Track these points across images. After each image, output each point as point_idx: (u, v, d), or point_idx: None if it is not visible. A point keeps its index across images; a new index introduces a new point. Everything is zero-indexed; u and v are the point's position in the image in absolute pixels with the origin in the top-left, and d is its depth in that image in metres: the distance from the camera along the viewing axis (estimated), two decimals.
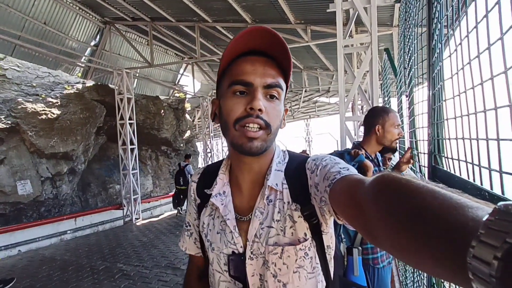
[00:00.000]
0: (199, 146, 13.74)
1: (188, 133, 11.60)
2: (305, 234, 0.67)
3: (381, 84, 4.70)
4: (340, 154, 1.78)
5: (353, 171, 0.60)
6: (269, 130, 0.65)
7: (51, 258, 5.43)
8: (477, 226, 0.24)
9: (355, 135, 5.98)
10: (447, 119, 1.20)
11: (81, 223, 6.92)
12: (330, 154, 1.83)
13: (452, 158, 1.12)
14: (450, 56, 1.12)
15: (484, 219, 0.24)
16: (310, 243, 0.67)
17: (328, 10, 3.29)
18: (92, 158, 8.18)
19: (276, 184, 0.70)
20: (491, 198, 0.86)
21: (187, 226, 0.86)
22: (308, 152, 13.94)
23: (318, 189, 0.63)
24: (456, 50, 1.05)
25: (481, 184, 0.98)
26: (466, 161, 1.03)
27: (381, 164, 1.87)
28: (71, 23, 6.95)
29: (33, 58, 6.86)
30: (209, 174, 0.81)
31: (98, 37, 7.83)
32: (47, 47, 6.59)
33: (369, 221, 0.40)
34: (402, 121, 3.18)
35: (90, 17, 7.29)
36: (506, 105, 0.63)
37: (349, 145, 3.39)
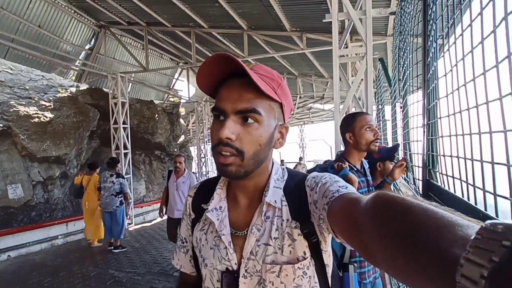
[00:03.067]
0: (193, 151, 13.69)
1: (182, 138, 11.55)
2: (304, 253, 0.67)
3: (375, 92, 4.77)
4: (323, 168, 1.78)
5: (351, 189, 0.61)
6: (242, 156, 0.64)
7: (41, 263, 5.32)
8: (466, 244, 0.25)
9: None
10: (441, 136, 1.23)
11: (72, 228, 6.80)
12: (313, 168, 1.83)
13: (446, 175, 1.15)
14: (445, 75, 1.15)
15: (472, 237, 0.25)
16: (309, 262, 0.67)
17: (324, 20, 3.34)
18: (85, 162, 8.06)
19: (275, 201, 0.70)
20: (485, 218, 0.88)
21: (183, 243, 0.84)
22: (301, 157, 14.03)
23: (317, 206, 0.64)
24: (451, 70, 1.08)
25: (475, 203, 1.00)
26: (460, 179, 1.06)
27: (367, 173, 1.83)
28: (66, 26, 6.90)
29: (27, 61, 6.79)
30: (206, 189, 0.81)
31: (93, 40, 7.79)
32: (41, 50, 6.53)
33: (365, 240, 0.41)
34: (395, 131, 3.22)
35: (85, 20, 7.26)
36: (501, 131, 0.66)
37: None
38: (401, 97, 2.44)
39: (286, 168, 0.80)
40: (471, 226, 0.28)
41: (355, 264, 1.62)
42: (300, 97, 11.60)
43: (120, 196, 5.55)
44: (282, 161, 13.10)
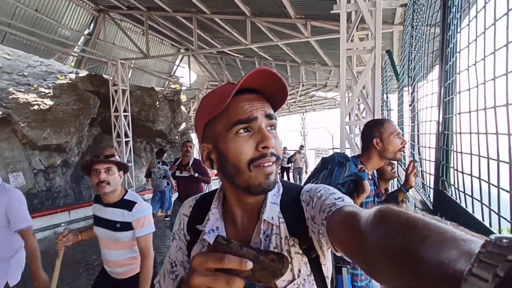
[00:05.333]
0: (195, 138, 13.65)
1: (183, 125, 11.48)
2: (299, 271, 0.66)
3: (381, 84, 4.67)
4: (341, 161, 1.74)
5: (348, 201, 0.60)
6: (279, 161, 0.65)
7: (45, 252, 5.27)
8: (470, 259, 0.24)
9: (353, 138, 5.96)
10: (456, 151, 1.17)
11: (75, 216, 6.84)
12: (331, 156, 1.79)
13: (464, 193, 1.10)
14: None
15: (476, 251, 0.24)
16: (305, 279, 0.67)
17: (332, 12, 3.21)
18: (86, 150, 8.05)
19: (272, 218, 0.68)
20: None
21: (173, 267, 0.79)
22: (302, 145, 13.93)
23: (315, 221, 0.63)
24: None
25: (490, 225, 0.96)
26: (476, 198, 1.02)
27: (377, 183, 1.82)
28: (64, 10, 6.71)
29: (24, 46, 6.64)
30: (201, 208, 0.78)
31: (92, 25, 7.59)
32: (39, 35, 6.37)
33: (368, 256, 0.41)
34: (401, 115, 3.16)
35: (83, 4, 7.04)
36: None
37: (347, 150, 3.36)
38: (411, 80, 2.36)
39: (280, 180, 0.77)
40: (475, 241, 0.28)
41: (348, 267, 1.61)
42: (302, 85, 11.45)
43: (166, 178, 6.76)
44: (284, 148, 12.91)
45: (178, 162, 4.53)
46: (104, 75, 8.41)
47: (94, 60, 8.00)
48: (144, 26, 7.33)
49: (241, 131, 0.63)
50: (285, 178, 12.04)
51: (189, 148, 4.43)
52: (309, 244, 0.66)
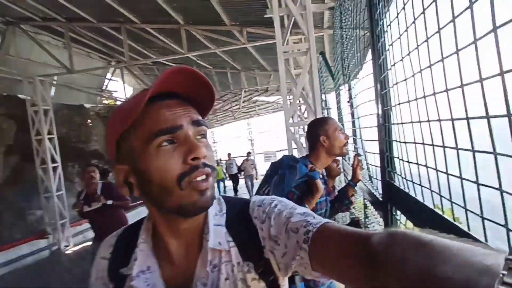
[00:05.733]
0: None
1: None
2: None
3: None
4: (291, 164, 1.69)
5: (318, 217, 0.53)
6: (215, 173, 0.55)
7: None
8: (498, 268, 0.24)
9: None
10: (399, 141, 1.18)
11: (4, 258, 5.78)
12: (280, 160, 1.73)
13: (412, 182, 1.10)
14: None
15: (504, 260, 0.24)
16: None
17: (265, 16, 3.23)
18: (3, 182, 6.90)
19: (219, 243, 0.57)
20: (451, 229, 0.84)
21: None
22: (249, 152, 13.95)
23: (279, 243, 0.54)
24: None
25: (443, 212, 0.96)
26: (424, 186, 1.02)
27: (327, 182, 1.84)
28: None
29: None
30: (125, 245, 0.62)
31: None
32: None
33: (387, 282, 0.36)
34: (340, 112, 3.29)
35: None
36: (468, 149, 0.59)
37: (294, 150, 3.39)
38: (347, 78, 2.45)
39: (222, 196, 0.66)
40: (497, 254, 0.27)
41: (298, 275, 1.57)
42: (245, 91, 11.54)
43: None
44: (229, 154, 12.63)
45: (83, 195, 3.61)
46: (19, 95, 7.36)
47: (6, 79, 6.95)
48: (65, 38, 6.61)
49: (164, 143, 0.51)
50: (236, 185, 11.93)
51: (91, 174, 3.58)
52: (265, 267, 0.57)
